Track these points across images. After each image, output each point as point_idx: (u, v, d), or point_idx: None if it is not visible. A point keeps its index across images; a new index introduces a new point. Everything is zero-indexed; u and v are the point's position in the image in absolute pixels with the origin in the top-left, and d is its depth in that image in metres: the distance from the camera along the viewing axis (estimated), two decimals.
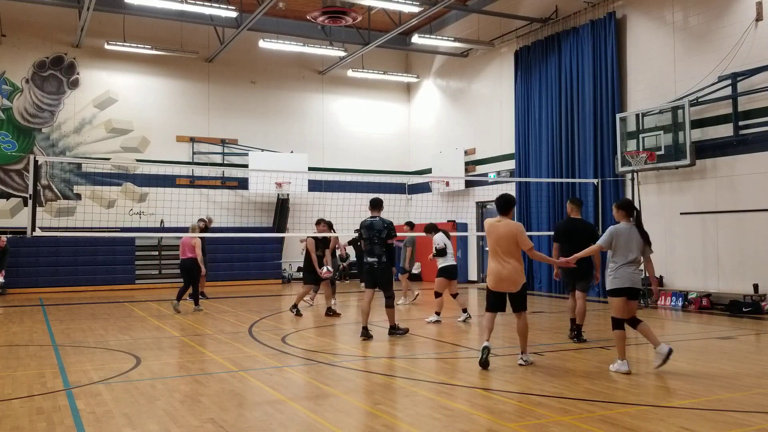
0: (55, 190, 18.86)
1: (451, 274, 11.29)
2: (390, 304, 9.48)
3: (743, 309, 11.82)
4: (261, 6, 15.94)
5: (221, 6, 15.88)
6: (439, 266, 11.38)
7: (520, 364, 7.25)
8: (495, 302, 7.34)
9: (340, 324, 11.11)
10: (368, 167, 22.26)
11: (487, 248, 7.68)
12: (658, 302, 13.31)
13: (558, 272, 9.24)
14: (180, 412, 5.50)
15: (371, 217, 9.51)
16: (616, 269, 6.95)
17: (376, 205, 9.62)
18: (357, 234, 10.24)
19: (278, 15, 19.39)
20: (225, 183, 20.74)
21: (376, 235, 9.28)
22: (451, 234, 12.82)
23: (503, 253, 7.17)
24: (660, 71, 14.21)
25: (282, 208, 20.71)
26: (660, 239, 13.93)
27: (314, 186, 20.26)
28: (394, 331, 9.50)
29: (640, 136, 14.04)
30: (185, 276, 12.97)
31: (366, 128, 23.07)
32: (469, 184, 19.75)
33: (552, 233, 9.88)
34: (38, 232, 10.27)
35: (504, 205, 7.36)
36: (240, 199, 20.80)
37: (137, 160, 19.51)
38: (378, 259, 9.32)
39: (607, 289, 7.13)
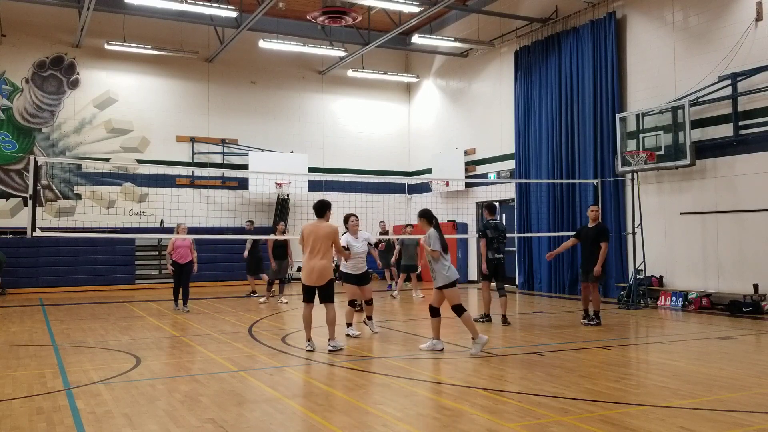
0: (55, 190, 18.86)
1: (355, 279, 9.67)
2: (505, 294, 10.81)
3: (743, 309, 11.81)
4: (261, 6, 15.94)
5: (221, 6, 15.87)
6: (343, 270, 9.74)
7: (330, 350, 8.22)
8: (308, 295, 8.44)
9: (340, 324, 11.09)
10: (368, 167, 22.26)
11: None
12: (658, 302, 13.32)
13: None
14: (180, 412, 5.50)
15: (492, 219, 10.92)
16: (449, 267, 8.13)
17: (494, 210, 11.21)
18: (480, 234, 11.05)
19: (278, 15, 19.38)
20: (225, 183, 20.74)
21: (501, 235, 10.73)
22: (450, 234, 12.88)
23: (319, 251, 8.27)
24: (660, 71, 14.21)
25: (282, 208, 20.70)
26: (660, 239, 13.96)
27: (314, 186, 20.25)
28: (506, 320, 10.64)
29: (640, 136, 14.04)
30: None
31: (366, 128, 23.06)
32: (469, 184, 19.75)
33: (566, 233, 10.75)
34: (38, 232, 10.27)
35: (321, 208, 8.57)
36: (240, 200, 20.80)
37: (137, 161, 19.51)
38: (503, 255, 10.81)
39: (444, 284, 8.11)
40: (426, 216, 8.46)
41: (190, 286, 13.28)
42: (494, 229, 10.74)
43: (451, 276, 8.12)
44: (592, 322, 10.48)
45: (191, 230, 17.59)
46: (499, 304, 10.74)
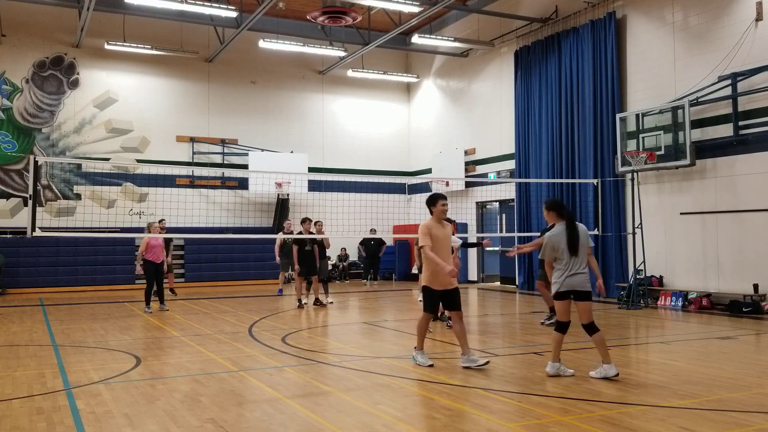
0: (55, 190, 18.86)
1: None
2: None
3: (743, 309, 11.82)
4: (261, 6, 15.94)
5: (221, 6, 15.87)
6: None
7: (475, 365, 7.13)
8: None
9: (340, 324, 11.10)
10: (368, 167, 22.26)
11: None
12: (658, 302, 13.32)
13: None
14: (180, 412, 5.50)
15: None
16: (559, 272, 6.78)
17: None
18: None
19: (278, 15, 19.38)
20: (225, 183, 20.74)
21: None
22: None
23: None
24: (660, 71, 14.21)
25: (282, 208, 20.70)
26: (660, 239, 13.96)
27: (314, 186, 20.26)
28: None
29: (640, 136, 14.04)
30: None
31: (366, 128, 23.06)
32: (469, 184, 19.75)
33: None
34: (38, 232, 10.26)
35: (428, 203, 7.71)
36: (240, 200, 20.80)
37: (137, 161, 19.51)
38: None
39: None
40: (554, 208, 6.98)
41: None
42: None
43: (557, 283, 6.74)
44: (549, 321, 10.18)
45: (191, 230, 17.63)
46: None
